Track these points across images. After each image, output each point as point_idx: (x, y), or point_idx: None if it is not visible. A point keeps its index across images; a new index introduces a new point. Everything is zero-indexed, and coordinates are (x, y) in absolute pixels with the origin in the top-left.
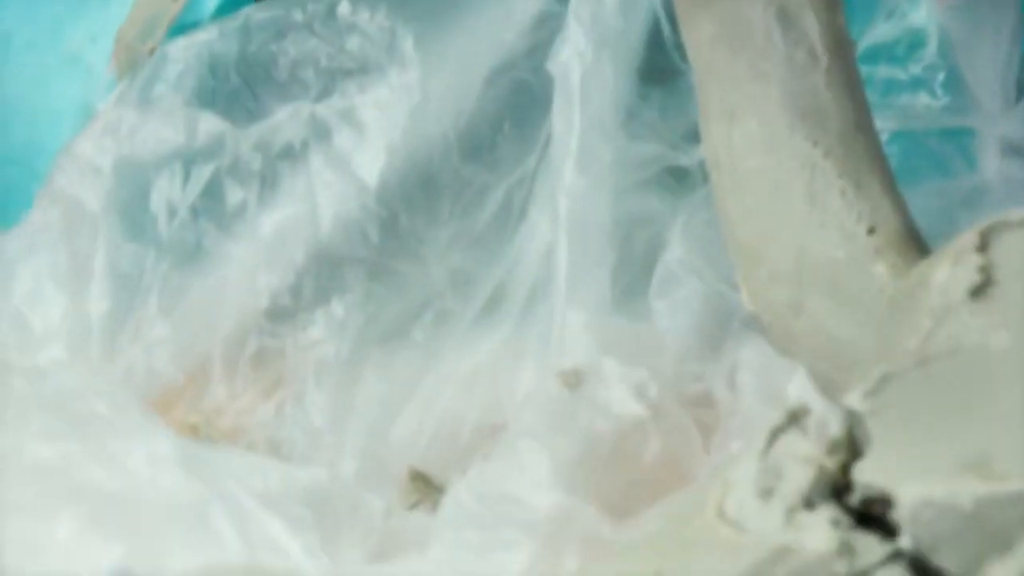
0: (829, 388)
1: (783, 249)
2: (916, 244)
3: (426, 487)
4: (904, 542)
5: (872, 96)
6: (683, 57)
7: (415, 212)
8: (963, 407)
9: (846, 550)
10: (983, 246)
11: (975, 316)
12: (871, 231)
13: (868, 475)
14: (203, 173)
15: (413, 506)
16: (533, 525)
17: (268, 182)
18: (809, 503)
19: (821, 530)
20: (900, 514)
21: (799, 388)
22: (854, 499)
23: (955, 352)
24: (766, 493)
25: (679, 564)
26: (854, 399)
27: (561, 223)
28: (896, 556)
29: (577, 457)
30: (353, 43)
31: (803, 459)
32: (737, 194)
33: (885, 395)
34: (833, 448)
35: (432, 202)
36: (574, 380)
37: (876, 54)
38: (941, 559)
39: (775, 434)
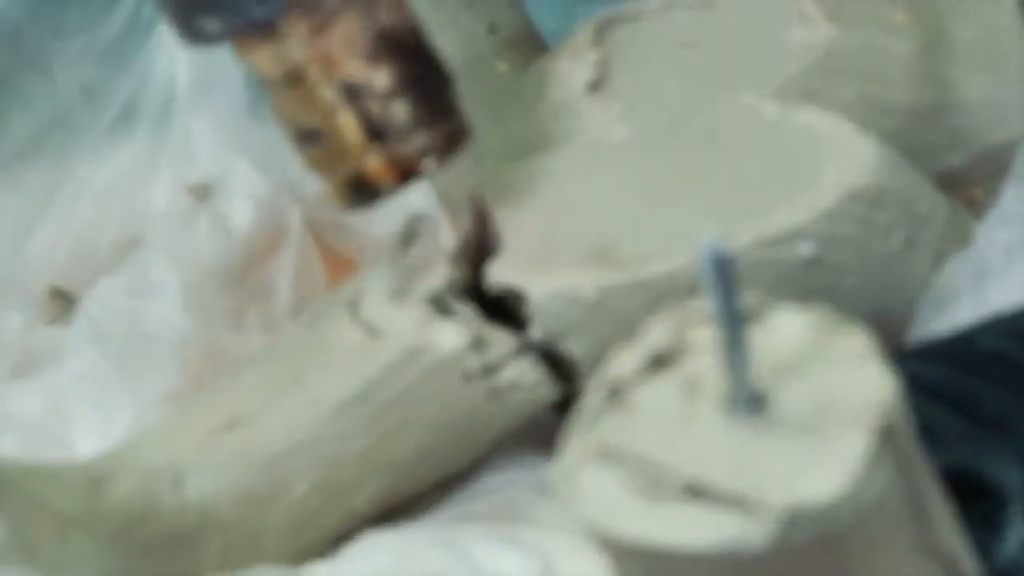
0: (464, 188)
1: None
2: (534, 42)
3: (66, 302)
4: (534, 333)
5: None
6: None
7: (40, 25)
8: (584, 198)
9: (478, 345)
10: (598, 41)
11: (593, 109)
12: (492, 30)
13: (498, 273)
14: None
15: (52, 321)
16: (169, 345)
17: None
18: (441, 302)
19: (453, 328)
20: (531, 307)
21: (420, 199)
22: (486, 296)
23: (575, 145)
24: (399, 294)
25: (317, 366)
26: (484, 193)
27: None
28: (527, 347)
29: (205, 274)
30: None
31: (435, 260)
32: None
33: (512, 188)
34: (463, 247)
35: (58, 14)
36: (202, 193)
37: None
38: (569, 346)
39: (405, 239)
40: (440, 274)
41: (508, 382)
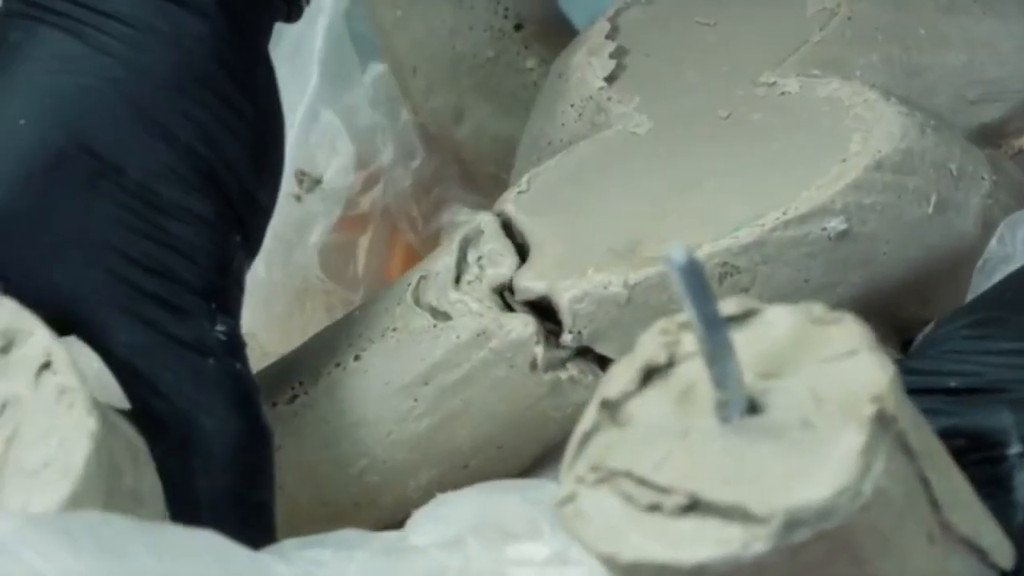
0: (501, 191)
1: (437, 57)
2: (564, 36)
3: None
4: (564, 339)
5: None
6: None
7: None
8: (608, 194)
9: (543, 338)
10: (613, 32)
11: (613, 102)
12: (518, 27)
13: (526, 281)
14: None
15: None
16: None
17: None
18: (510, 289)
19: (520, 317)
20: (561, 313)
21: None
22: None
23: (598, 140)
24: (467, 282)
25: (378, 348)
26: (509, 202)
27: None
28: (584, 348)
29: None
30: None
31: (505, 248)
32: (387, 6)
33: (536, 192)
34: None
35: None
36: (310, 185)
37: None
38: (603, 348)
39: (470, 234)
40: (507, 266)
41: (569, 378)
